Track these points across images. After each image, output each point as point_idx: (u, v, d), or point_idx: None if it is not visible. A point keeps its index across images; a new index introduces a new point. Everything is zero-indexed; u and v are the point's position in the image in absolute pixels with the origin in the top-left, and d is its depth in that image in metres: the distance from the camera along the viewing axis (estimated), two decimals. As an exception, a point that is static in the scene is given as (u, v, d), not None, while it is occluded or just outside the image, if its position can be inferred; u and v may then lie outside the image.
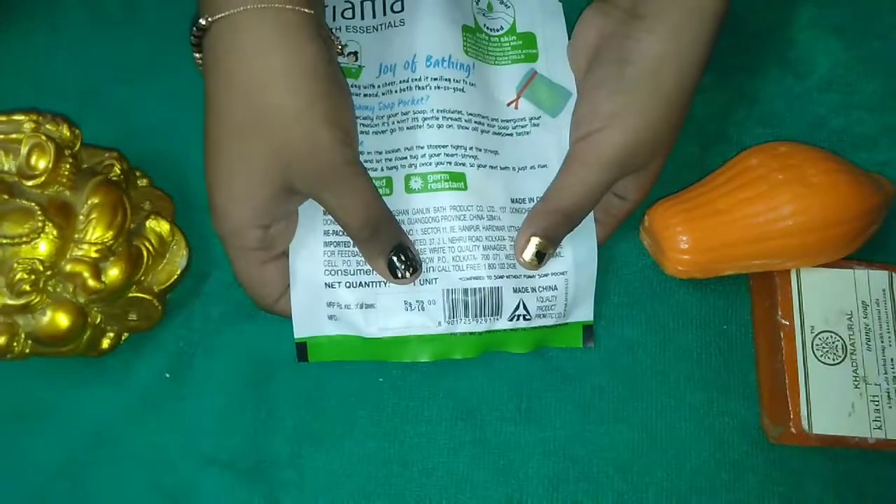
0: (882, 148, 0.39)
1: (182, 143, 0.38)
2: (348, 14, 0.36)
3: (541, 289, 0.33)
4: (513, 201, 0.33)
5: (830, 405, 0.33)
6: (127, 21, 0.40)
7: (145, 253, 0.34)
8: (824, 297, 0.34)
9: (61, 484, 0.34)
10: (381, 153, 0.33)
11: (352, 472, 0.34)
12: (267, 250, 0.32)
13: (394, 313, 0.32)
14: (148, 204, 0.36)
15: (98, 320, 0.33)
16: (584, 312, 0.34)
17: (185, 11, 0.38)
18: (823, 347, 0.33)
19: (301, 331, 0.32)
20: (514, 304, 0.32)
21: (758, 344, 0.36)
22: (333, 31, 0.34)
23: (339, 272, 0.32)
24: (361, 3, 0.36)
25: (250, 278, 0.32)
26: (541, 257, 0.32)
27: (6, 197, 0.31)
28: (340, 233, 0.32)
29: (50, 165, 0.31)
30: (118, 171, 0.34)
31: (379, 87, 0.34)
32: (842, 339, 0.34)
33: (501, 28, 0.36)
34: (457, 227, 0.32)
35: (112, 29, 0.40)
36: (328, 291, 0.32)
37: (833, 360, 0.33)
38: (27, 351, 0.32)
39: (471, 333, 0.33)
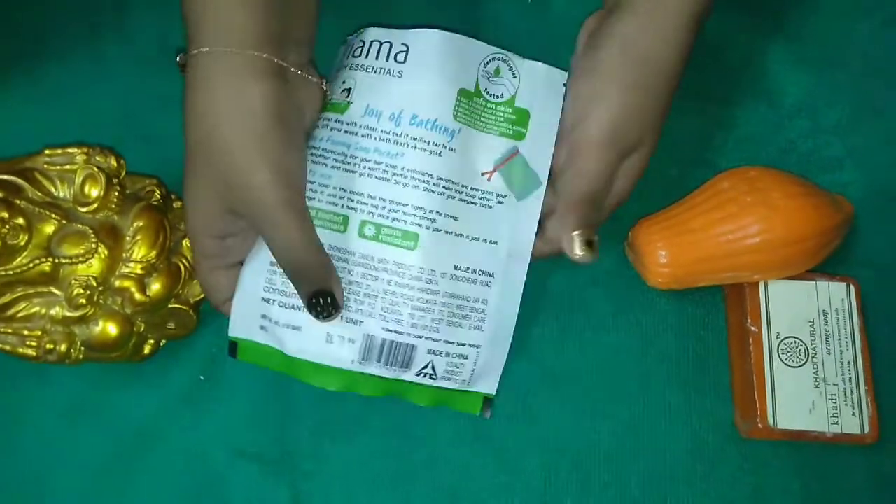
0: (847, 169, 0.42)
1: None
2: (357, 52, 0.36)
3: (453, 355, 0.34)
4: (455, 268, 0.34)
5: (794, 403, 0.36)
6: (162, 56, 0.44)
7: (182, 269, 0.38)
8: (789, 306, 0.38)
9: (109, 475, 0.38)
10: (345, 191, 0.34)
11: (365, 463, 0.38)
12: (220, 258, 0.34)
13: (314, 341, 0.34)
14: (183, 225, 0.39)
15: (141, 329, 0.37)
16: (489, 385, 0.36)
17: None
18: (788, 351, 0.37)
19: (235, 331, 0.35)
20: (423, 363, 0.34)
21: (731, 348, 0.39)
22: (342, 68, 0.36)
23: (277, 291, 0.34)
24: (370, 43, 0.36)
25: (201, 280, 0.35)
26: (590, 244, 0.34)
27: (65, 222, 0.35)
28: None
29: (102, 193, 0.35)
30: (158, 196, 0.38)
31: (361, 126, 0.35)
32: (804, 343, 0.37)
33: (502, 96, 0.36)
34: (393, 281, 0.33)
35: (148, 64, 0.44)
36: (263, 305, 0.34)
37: (796, 362, 0.37)
38: (81, 357, 0.36)
39: (379, 377, 0.34)
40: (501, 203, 0.35)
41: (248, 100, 0.31)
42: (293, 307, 0.34)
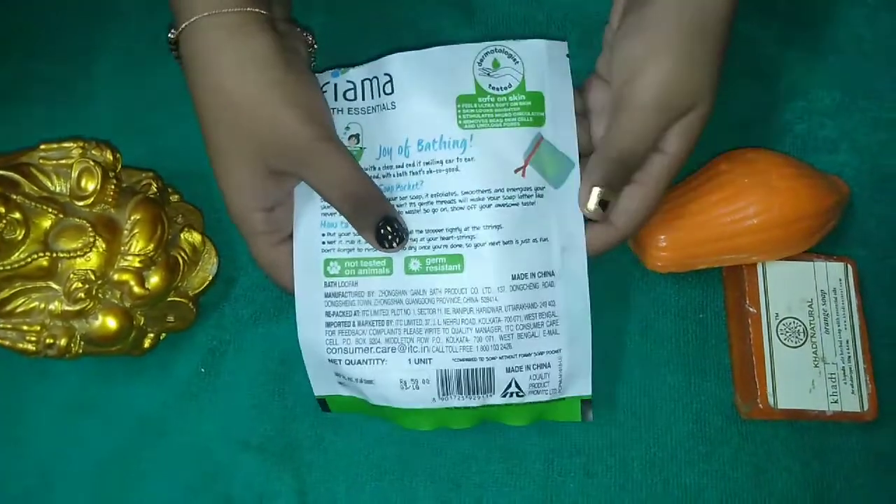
0: (842, 151, 0.43)
1: (207, 161, 0.42)
2: (350, 95, 0.35)
3: (534, 367, 0.33)
4: (513, 278, 0.33)
5: (793, 383, 0.36)
6: (155, 54, 0.44)
7: (181, 261, 0.38)
8: (787, 287, 0.38)
9: (112, 468, 0.38)
10: None
11: (369, 453, 0.38)
12: (275, 233, 0.34)
13: (390, 389, 0.33)
14: (181, 217, 0.40)
15: (141, 322, 0.37)
16: (582, 387, 0.34)
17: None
18: (787, 332, 0.37)
19: (318, 391, 0.35)
20: (506, 382, 0.33)
21: (730, 330, 0.40)
22: (336, 111, 0.35)
23: (340, 350, 0.34)
24: (362, 83, 0.35)
25: (265, 260, 0.34)
26: (604, 206, 0.32)
27: (61, 216, 0.35)
28: (341, 314, 0.34)
29: (98, 187, 0.35)
30: (155, 190, 0.38)
31: (379, 169, 0.34)
32: (803, 324, 0.38)
33: (510, 86, 0.34)
34: (451, 309, 0.33)
35: (142, 62, 0.44)
36: (332, 365, 0.34)
37: (795, 342, 0.37)
38: (81, 351, 0.36)
39: (466, 408, 0.34)
40: (541, 196, 0.33)
41: (258, 52, 0.32)
42: (359, 362, 0.34)
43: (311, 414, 0.38)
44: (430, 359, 0.33)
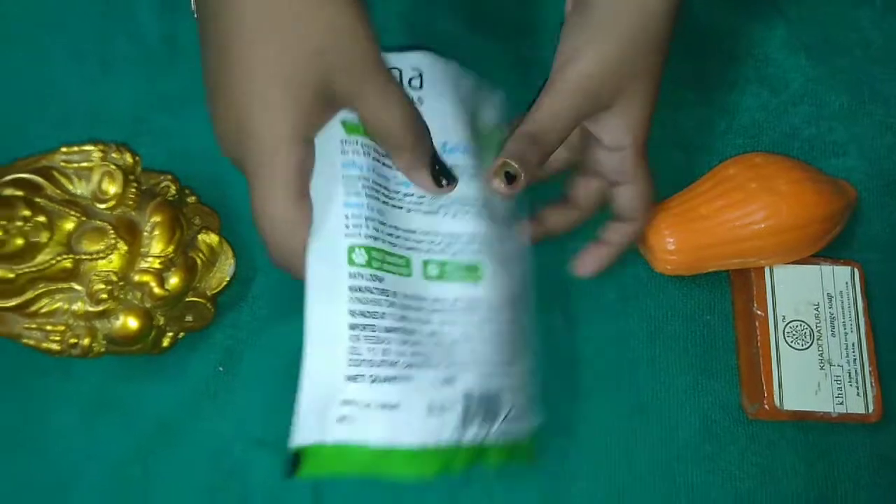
0: (850, 155, 0.43)
1: (223, 163, 0.42)
2: None
3: (525, 386, 0.32)
4: (520, 293, 0.32)
5: (799, 385, 0.37)
6: (169, 55, 0.45)
7: (199, 262, 0.38)
8: (794, 290, 0.39)
9: (132, 466, 0.38)
10: (398, 229, 0.30)
11: (383, 450, 0.39)
12: (301, 180, 0.28)
13: (415, 416, 0.28)
14: (198, 219, 0.40)
15: (161, 322, 0.38)
16: (532, 419, 0.32)
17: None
18: (793, 334, 0.38)
19: (303, 436, 0.27)
20: (509, 404, 0.30)
21: (737, 332, 0.40)
22: None
23: (366, 362, 0.27)
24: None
25: (284, 217, 0.28)
26: (510, 179, 0.31)
27: (84, 218, 0.36)
28: (368, 314, 0.28)
29: (119, 190, 0.36)
30: (173, 192, 0.39)
31: None
32: (809, 326, 0.38)
33: (495, 120, 0.36)
34: (470, 321, 0.30)
35: (157, 62, 0.45)
36: (348, 387, 0.27)
37: (802, 345, 0.38)
38: (103, 350, 0.37)
39: (469, 445, 0.29)
40: None
41: None
42: (385, 380, 0.27)
43: (325, 412, 0.39)
44: (454, 377, 0.29)
